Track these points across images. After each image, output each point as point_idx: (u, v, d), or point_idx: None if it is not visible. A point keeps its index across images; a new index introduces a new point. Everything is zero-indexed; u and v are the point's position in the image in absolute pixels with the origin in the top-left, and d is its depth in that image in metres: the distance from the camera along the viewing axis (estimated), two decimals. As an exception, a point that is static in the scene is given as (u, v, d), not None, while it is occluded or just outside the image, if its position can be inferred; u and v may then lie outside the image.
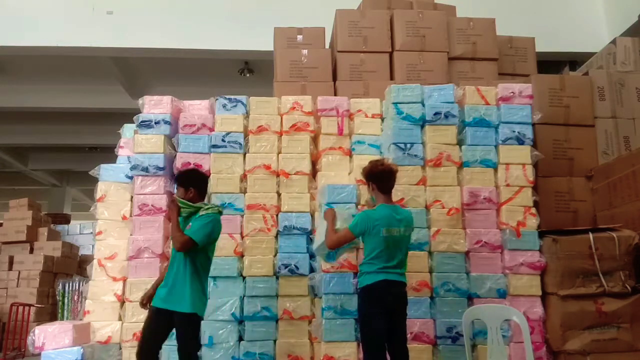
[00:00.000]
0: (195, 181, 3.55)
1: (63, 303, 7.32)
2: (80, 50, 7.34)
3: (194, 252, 3.32)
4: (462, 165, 4.24)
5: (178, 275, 3.31)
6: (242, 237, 4.21)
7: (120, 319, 4.09)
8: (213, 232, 3.39)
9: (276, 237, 4.23)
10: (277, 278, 4.13)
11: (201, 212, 3.39)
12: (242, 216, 4.24)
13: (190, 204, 3.44)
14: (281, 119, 4.48)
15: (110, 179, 4.44)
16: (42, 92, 9.83)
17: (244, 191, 4.30)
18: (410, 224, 3.47)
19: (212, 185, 4.26)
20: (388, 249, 3.30)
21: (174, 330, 3.34)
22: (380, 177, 3.43)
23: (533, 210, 4.14)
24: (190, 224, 3.37)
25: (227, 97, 4.53)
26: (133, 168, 4.32)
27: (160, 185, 4.31)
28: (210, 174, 4.30)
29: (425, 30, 5.19)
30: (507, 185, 4.18)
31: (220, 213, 3.52)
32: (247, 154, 4.38)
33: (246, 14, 7.15)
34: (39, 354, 3.81)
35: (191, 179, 3.57)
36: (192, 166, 4.21)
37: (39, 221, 9.02)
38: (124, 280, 4.16)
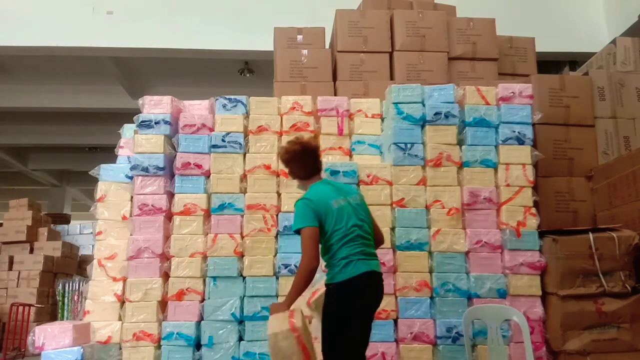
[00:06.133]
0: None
1: (63, 303, 7.34)
2: (80, 50, 7.35)
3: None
4: (462, 165, 4.24)
5: None
6: (242, 237, 4.19)
7: (120, 319, 4.08)
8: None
9: (276, 237, 4.22)
10: (277, 278, 4.12)
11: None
12: (242, 216, 4.23)
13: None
14: (281, 119, 4.48)
15: (110, 179, 4.43)
16: (42, 92, 9.84)
17: (244, 191, 4.29)
18: (351, 191, 2.99)
19: (212, 185, 4.27)
20: (350, 225, 2.77)
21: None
22: (302, 157, 2.92)
23: (533, 210, 4.14)
24: None
25: (227, 97, 4.52)
26: (133, 168, 4.31)
27: (160, 186, 4.31)
28: (210, 174, 4.31)
29: (425, 30, 5.18)
30: (507, 185, 4.18)
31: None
32: (247, 154, 4.37)
33: (246, 14, 7.15)
34: (39, 354, 3.79)
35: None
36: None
37: (39, 221, 9.03)
38: (124, 280, 4.15)
